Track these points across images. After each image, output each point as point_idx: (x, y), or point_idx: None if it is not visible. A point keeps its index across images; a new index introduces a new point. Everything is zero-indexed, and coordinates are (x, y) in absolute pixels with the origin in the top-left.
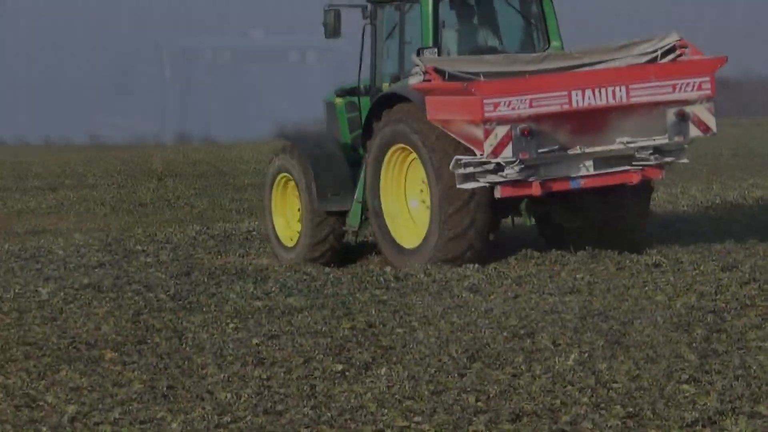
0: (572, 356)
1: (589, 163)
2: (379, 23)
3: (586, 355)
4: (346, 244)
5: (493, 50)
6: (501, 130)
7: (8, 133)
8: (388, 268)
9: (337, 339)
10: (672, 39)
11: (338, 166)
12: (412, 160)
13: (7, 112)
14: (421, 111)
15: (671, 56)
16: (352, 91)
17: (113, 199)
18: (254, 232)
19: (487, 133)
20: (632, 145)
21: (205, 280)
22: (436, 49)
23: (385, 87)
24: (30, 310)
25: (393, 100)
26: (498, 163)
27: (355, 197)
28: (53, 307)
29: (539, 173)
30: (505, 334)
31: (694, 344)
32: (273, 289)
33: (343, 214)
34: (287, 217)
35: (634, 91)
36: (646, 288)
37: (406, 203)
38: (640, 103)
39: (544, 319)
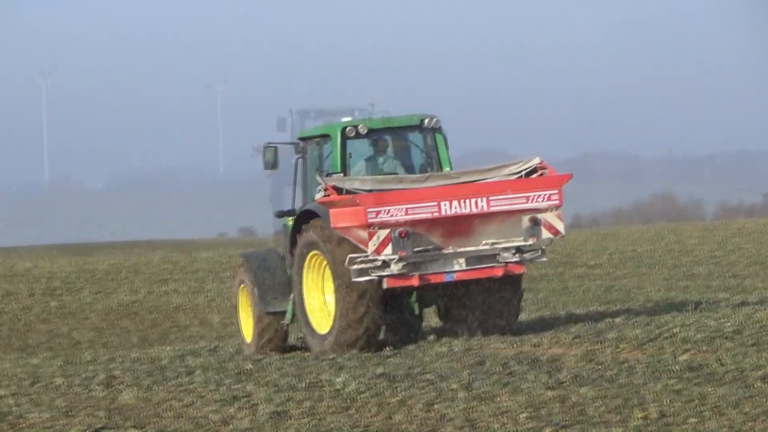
0: None
1: (462, 260)
2: (308, 156)
3: None
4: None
5: (393, 174)
6: (382, 233)
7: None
8: (682, 357)
9: (629, 429)
10: (534, 162)
11: (279, 275)
12: (327, 263)
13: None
14: (325, 222)
15: (534, 175)
16: (290, 213)
17: None
18: (547, 321)
19: (371, 235)
20: (496, 245)
21: (499, 369)
22: (342, 174)
23: None
24: (323, 399)
25: (309, 215)
26: (384, 261)
27: (291, 298)
28: (346, 397)
29: (419, 269)
30: None
31: None
32: (566, 379)
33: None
34: (247, 317)
35: (493, 201)
36: None
37: (323, 297)
38: (499, 211)
39: None
